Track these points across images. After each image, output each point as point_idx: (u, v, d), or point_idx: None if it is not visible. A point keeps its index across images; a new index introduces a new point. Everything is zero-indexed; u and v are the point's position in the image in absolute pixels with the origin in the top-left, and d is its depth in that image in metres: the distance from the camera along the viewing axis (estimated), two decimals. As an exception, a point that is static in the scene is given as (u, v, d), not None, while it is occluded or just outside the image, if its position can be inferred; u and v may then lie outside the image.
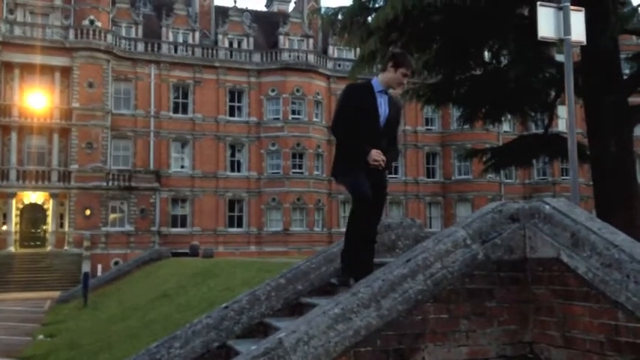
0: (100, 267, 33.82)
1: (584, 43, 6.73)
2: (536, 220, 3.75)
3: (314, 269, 5.08)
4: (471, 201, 42.75)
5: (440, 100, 20.16)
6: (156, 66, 39.30)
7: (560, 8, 6.35)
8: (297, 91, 40.88)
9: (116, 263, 34.17)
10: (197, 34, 41.64)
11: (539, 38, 6.51)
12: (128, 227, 37.44)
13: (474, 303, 3.64)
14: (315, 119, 41.52)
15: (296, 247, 37.40)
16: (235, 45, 42.24)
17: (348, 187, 4.25)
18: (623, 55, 20.62)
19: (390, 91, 4.50)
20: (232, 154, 40.82)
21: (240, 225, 40.25)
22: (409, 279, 3.58)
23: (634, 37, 20.41)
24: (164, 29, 40.68)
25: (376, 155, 4.14)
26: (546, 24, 6.30)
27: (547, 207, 3.72)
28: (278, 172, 40.36)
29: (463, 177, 43.86)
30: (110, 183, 36.98)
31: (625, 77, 17.00)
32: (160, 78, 39.32)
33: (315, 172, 41.12)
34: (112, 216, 37.40)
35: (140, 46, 39.80)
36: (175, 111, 39.74)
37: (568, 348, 3.39)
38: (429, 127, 44.94)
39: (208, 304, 7.61)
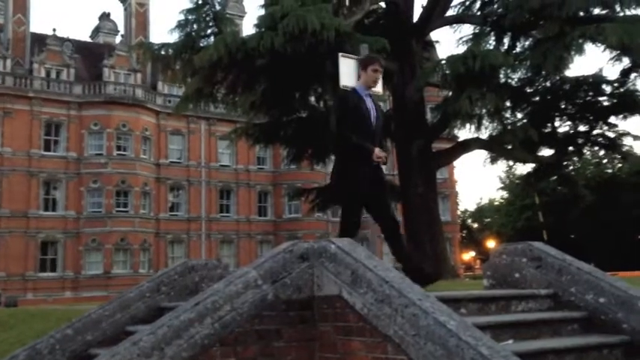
0: None
1: (381, 92, 7.32)
2: (323, 259, 3.90)
3: (107, 317, 4.75)
4: (301, 239, 43.71)
5: (268, 139, 20.70)
6: (-44, 94, 35.15)
7: (359, 60, 6.85)
8: (124, 126, 39.10)
9: None
10: (9, 62, 38.13)
11: (340, 87, 6.95)
12: None
13: (262, 344, 3.65)
14: (142, 156, 39.93)
15: (118, 291, 35.02)
16: (53, 75, 39.40)
17: (343, 209, 4.98)
18: (430, 105, 22.88)
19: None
20: (47, 192, 37.53)
21: (53, 269, 36.81)
22: (196, 323, 3.48)
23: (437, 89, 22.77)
24: (-31, 54, 36.68)
25: (379, 152, 4.67)
26: (347, 73, 6.75)
27: (333, 246, 3.88)
28: (99, 211, 37.85)
29: (293, 215, 44.89)
30: None
31: (429, 125, 18.91)
32: (-39, 107, 35.18)
33: (142, 211, 39.30)
34: None
35: (-63, 72, 35.39)
36: (-20, 144, 35.70)
37: (347, 383, 3.52)
38: (260, 166, 45.53)
39: (-6, 361, 6.72)
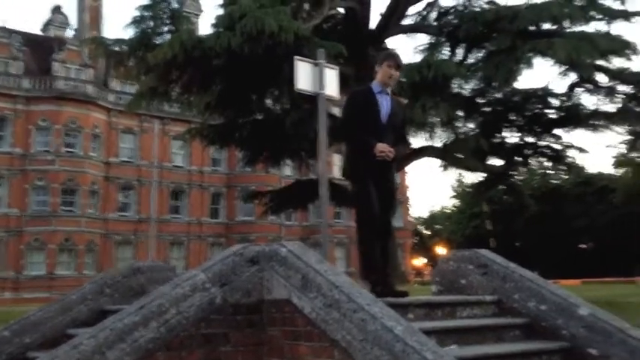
0: None
1: (338, 98, 7.36)
2: (273, 263, 3.87)
3: (47, 319, 4.58)
4: (254, 242, 43.52)
5: (223, 141, 20.50)
6: None
7: (316, 64, 6.88)
8: (73, 122, 37.98)
9: None
10: (-47, 52, 36.55)
11: (296, 90, 6.95)
12: None
13: (209, 348, 3.59)
14: (92, 154, 38.86)
15: (61, 292, 33.93)
16: (1, 68, 37.93)
17: (357, 202, 4.68)
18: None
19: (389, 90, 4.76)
20: (-11, 189, 36.11)
21: (-6, 269, 35.41)
22: (141, 327, 3.40)
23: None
24: None
25: (382, 147, 4.40)
26: (304, 78, 6.76)
27: (284, 250, 3.86)
28: (44, 210, 36.57)
29: (246, 218, 44.52)
30: None
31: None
32: None
33: (89, 211, 38.22)
34: None
35: None
36: None
37: (294, 388, 3.51)
38: (215, 168, 45.01)
39: None
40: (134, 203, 41.33)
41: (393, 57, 4.76)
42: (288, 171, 40.98)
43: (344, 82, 15.88)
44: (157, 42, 15.80)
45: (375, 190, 4.50)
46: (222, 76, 15.73)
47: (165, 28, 15.96)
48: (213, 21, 14.75)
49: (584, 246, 52.88)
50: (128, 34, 15.94)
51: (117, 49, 16.32)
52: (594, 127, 16.37)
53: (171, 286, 3.66)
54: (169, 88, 16.87)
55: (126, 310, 3.51)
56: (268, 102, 19.05)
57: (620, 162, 51.65)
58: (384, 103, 4.64)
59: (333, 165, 45.78)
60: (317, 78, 6.85)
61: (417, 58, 16.25)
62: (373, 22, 17.61)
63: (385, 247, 4.71)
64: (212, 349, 3.60)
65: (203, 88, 16.62)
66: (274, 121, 18.02)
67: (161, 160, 42.29)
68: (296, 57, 6.86)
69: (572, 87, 16.26)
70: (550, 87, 17.03)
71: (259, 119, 18.94)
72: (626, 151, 49.07)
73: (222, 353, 3.63)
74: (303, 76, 6.80)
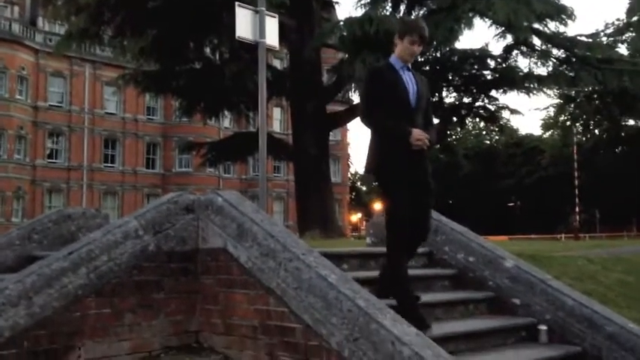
0: None
1: (277, 47, 7.23)
2: (209, 212, 3.83)
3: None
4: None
5: (159, 88, 19.83)
6: None
7: (256, 11, 6.69)
8: (-3, 63, 35.76)
9: None
10: None
11: (236, 38, 6.76)
12: None
13: (140, 295, 3.55)
14: (18, 96, 36.81)
15: (-13, 241, 32.60)
16: None
17: (388, 203, 3.76)
18: (327, 67, 22.99)
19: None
20: None
21: None
22: (70, 273, 3.31)
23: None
24: None
25: (419, 134, 3.68)
26: (244, 25, 6.58)
27: (220, 199, 3.82)
28: (-33, 154, 34.72)
29: (184, 169, 43.76)
30: None
31: (325, 86, 19.03)
32: None
33: (17, 156, 36.49)
34: None
35: None
36: None
37: (228, 334, 3.54)
38: (150, 117, 43.68)
39: None
40: (64, 150, 39.71)
41: (417, 30, 3.96)
42: (227, 123, 40.25)
43: (284, 33, 15.57)
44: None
45: (413, 188, 3.76)
46: (157, 19, 15.10)
47: (98, -35, 15.03)
48: (150, -40, 14.04)
49: (512, 204, 55.33)
50: (57, -31, 14.93)
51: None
52: (528, 90, 16.85)
53: (103, 233, 3.57)
54: (101, 30, 16.08)
55: (54, 256, 3.40)
56: (207, 51, 18.49)
57: (547, 124, 53.81)
58: (410, 82, 3.92)
59: (273, 118, 45.45)
60: (257, 26, 6.67)
61: (360, 12, 16.11)
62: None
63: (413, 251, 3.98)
64: (144, 296, 3.57)
65: (137, 31, 15.93)
66: (213, 71, 17.57)
67: (93, 106, 40.62)
68: (237, 3, 6.64)
69: (508, 49, 16.60)
70: (488, 48, 17.31)
71: (197, 68, 18.42)
72: (554, 114, 51.21)
73: (154, 300, 3.60)
74: (244, 23, 6.61)
